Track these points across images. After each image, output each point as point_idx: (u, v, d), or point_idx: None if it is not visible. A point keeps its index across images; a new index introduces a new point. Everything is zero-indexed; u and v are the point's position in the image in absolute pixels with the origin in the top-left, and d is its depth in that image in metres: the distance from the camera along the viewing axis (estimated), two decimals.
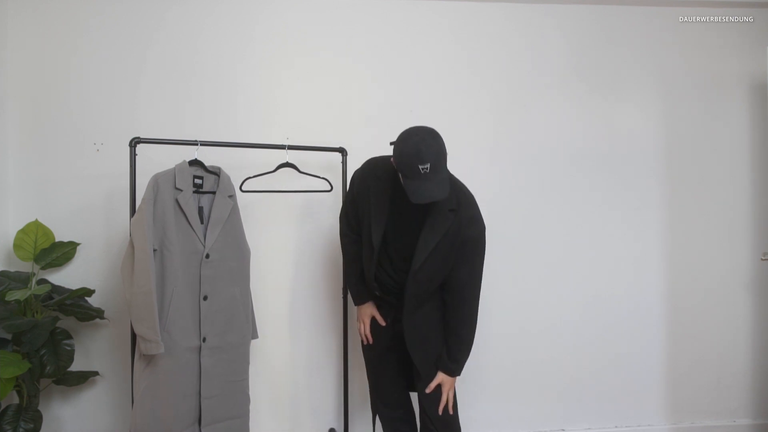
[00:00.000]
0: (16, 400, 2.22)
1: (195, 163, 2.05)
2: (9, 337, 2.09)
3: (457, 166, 2.11)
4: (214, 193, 2.06)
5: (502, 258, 2.58)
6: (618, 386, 2.64)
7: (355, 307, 2.04)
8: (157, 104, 2.45)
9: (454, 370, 1.84)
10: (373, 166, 1.86)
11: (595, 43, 2.66)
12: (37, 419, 2.13)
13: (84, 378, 2.26)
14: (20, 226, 2.29)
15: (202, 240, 1.97)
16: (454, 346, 1.83)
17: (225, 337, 2.00)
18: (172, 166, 2.01)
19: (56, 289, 2.27)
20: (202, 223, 2.01)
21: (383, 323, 1.95)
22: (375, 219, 1.78)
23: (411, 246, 1.76)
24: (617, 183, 2.65)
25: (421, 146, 1.55)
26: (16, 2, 2.40)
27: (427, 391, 1.85)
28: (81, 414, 2.41)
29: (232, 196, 2.09)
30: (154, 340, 1.81)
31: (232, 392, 2.02)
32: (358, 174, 1.91)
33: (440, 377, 1.84)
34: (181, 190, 1.95)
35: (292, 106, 2.52)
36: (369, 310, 1.97)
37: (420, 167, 1.53)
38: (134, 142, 2.03)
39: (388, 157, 1.81)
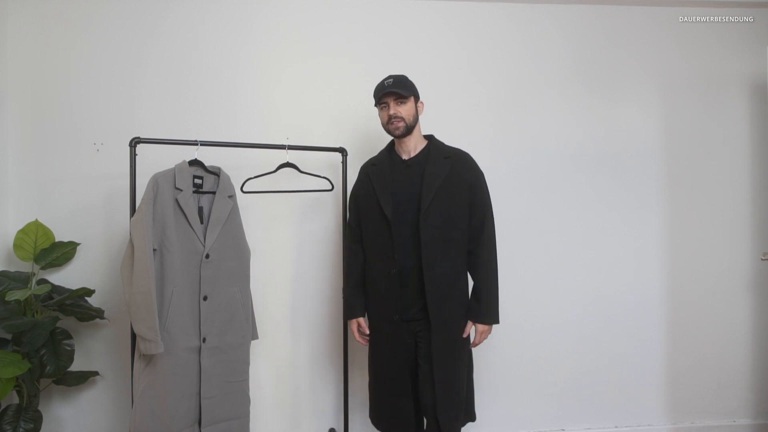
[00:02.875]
0: (16, 400, 2.23)
1: (195, 163, 2.05)
2: (9, 337, 2.09)
3: None
4: (214, 193, 2.06)
5: (501, 258, 2.55)
6: (618, 386, 2.64)
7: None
8: (157, 104, 2.45)
9: (486, 314, 1.91)
10: (365, 165, 2.09)
11: (595, 43, 2.66)
12: (37, 419, 2.13)
13: (84, 378, 2.26)
14: (20, 226, 2.30)
15: (202, 240, 1.97)
16: (482, 289, 1.93)
17: (225, 338, 2.00)
18: (172, 166, 2.01)
19: (56, 289, 2.27)
20: (201, 223, 2.01)
21: (360, 340, 2.05)
22: (382, 197, 1.92)
23: (418, 212, 1.89)
24: (617, 183, 2.65)
25: (388, 77, 1.96)
26: (16, 2, 2.40)
27: (464, 335, 1.92)
28: (81, 414, 2.41)
29: (232, 196, 2.08)
30: (154, 339, 1.80)
31: (232, 392, 2.02)
32: (355, 185, 2.11)
33: (473, 326, 1.95)
34: (181, 190, 1.95)
35: (292, 106, 2.52)
36: (353, 326, 2.07)
37: (385, 82, 1.93)
38: (134, 142, 2.03)
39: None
